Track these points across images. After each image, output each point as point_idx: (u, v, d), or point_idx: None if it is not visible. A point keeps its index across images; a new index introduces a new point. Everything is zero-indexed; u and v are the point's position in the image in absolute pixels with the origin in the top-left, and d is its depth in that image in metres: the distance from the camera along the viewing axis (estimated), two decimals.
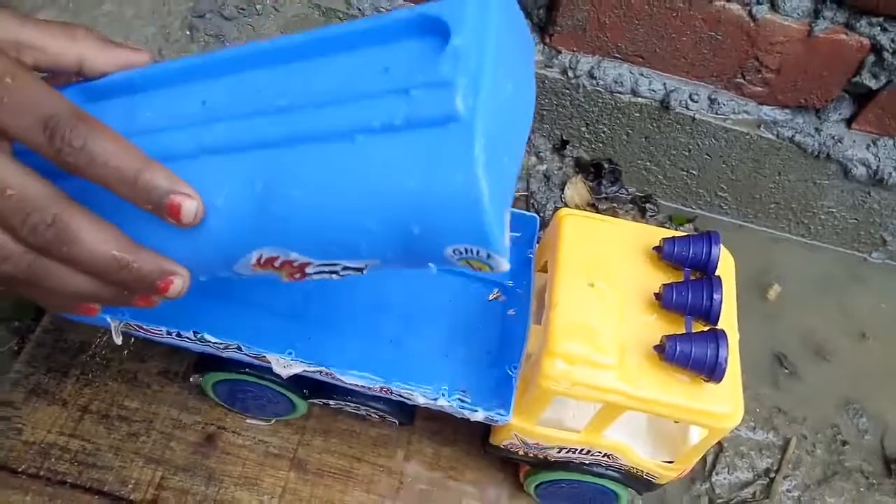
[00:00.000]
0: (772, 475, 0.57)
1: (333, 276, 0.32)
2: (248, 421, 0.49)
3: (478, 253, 0.29)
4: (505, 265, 0.29)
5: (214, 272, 0.32)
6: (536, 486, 0.48)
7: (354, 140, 0.27)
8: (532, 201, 0.68)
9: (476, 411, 0.40)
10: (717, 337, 0.36)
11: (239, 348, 0.39)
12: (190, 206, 0.28)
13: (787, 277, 0.68)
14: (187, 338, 0.39)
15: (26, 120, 0.27)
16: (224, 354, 0.40)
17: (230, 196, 0.29)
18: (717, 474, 0.57)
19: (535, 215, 0.49)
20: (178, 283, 0.30)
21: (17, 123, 0.27)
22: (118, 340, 0.38)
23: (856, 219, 0.68)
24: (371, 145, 0.27)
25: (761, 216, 0.70)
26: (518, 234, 0.47)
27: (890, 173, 0.64)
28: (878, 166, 0.64)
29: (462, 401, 0.40)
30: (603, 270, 0.40)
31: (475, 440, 0.49)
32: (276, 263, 0.31)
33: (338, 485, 0.48)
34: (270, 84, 0.30)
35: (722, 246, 0.41)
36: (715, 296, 0.37)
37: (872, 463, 0.59)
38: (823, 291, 0.68)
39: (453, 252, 0.29)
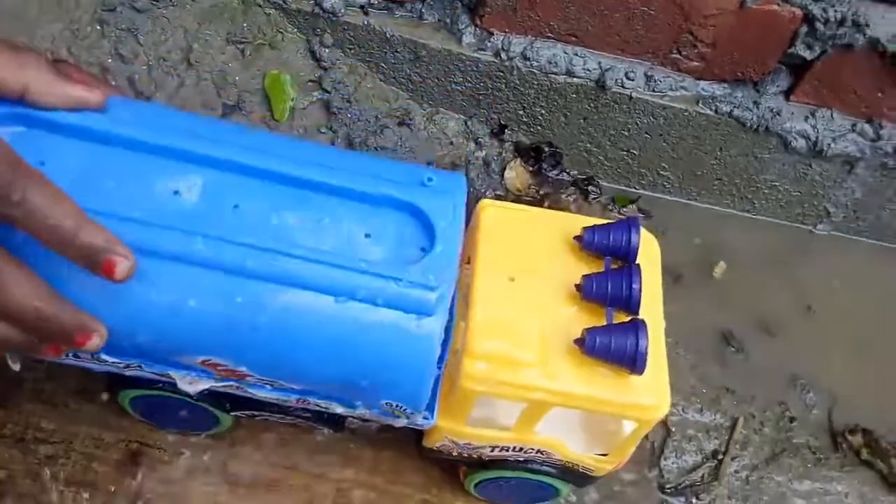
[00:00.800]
0: (720, 457, 0.58)
1: (267, 386, 0.37)
2: (173, 436, 0.48)
3: (405, 409, 0.37)
4: (420, 421, 0.38)
5: (148, 352, 0.35)
6: (476, 485, 0.48)
7: (336, 299, 0.33)
8: (471, 189, 0.68)
9: (398, 417, 0.39)
10: (637, 328, 0.36)
11: (140, 367, 0.38)
12: (123, 267, 0.30)
13: (733, 254, 0.68)
14: (85, 358, 0.38)
15: None
16: (128, 374, 0.39)
17: (201, 306, 0.32)
18: (665, 459, 0.57)
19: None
20: (96, 340, 0.31)
21: None
22: (16, 367, 0.37)
23: (799, 191, 0.69)
24: (349, 309, 0.33)
25: (705, 193, 0.71)
26: None
27: (829, 144, 0.64)
28: (816, 138, 0.64)
29: (382, 408, 0.39)
30: (523, 263, 0.40)
31: (414, 442, 0.49)
32: (220, 368, 0.35)
33: (272, 496, 0.48)
34: (252, 204, 0.34)
35: (644, 230, 0.41)
36: (634, 285, 0.37)
37: (820, 438, 0.60)
38: (770, 266, 0.69)
39: (386, 404, 0.36)
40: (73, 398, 0.49)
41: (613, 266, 0.40)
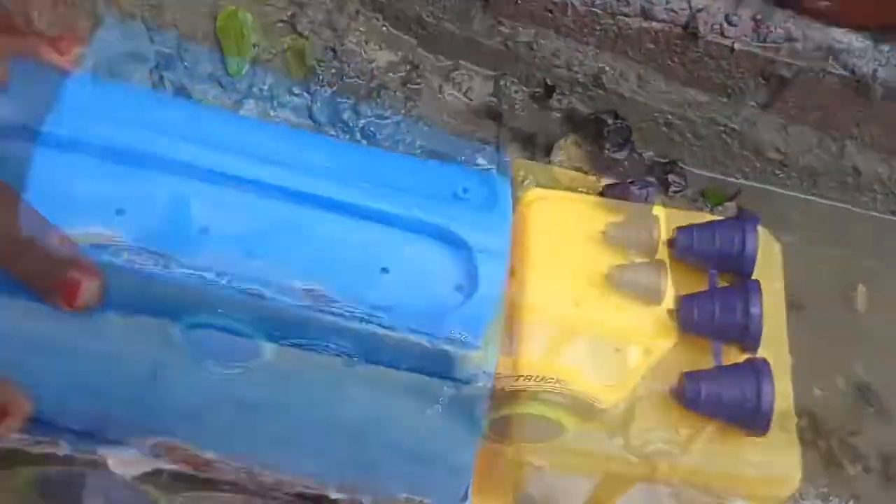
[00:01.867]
0: None
1: (242, 474, 0.38)
2: None
3: None
4: None
5: (81, 429, 0.36)
6: None
7: (344, 362, 0.33)
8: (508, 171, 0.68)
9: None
10: (758, 371, 0.36)
11: (55, 443, 0.38)
12: (90, 289, 0.31)
13: (874, 274, 0.69)
14: None
15: None
16: (36, 451, 0.38)
17: (164, 369, 0.33)
18: None
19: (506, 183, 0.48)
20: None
21: None
22: None
23: None
24: (363, 374, 0.34)
25: (835, 187, 0.71)
26: None
27: None
28: None
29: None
30: (593, 279, 0.40)
31: None
32: (177, 452, 0.35)
33: None
34: (226, 226, 0.34)
35: (763, 231, 0.41)
36: (752, 310, 0.37)
37: None
38: None
39: (406, 499, 0.37)
40: None
41: (720, 283, 0.40)
